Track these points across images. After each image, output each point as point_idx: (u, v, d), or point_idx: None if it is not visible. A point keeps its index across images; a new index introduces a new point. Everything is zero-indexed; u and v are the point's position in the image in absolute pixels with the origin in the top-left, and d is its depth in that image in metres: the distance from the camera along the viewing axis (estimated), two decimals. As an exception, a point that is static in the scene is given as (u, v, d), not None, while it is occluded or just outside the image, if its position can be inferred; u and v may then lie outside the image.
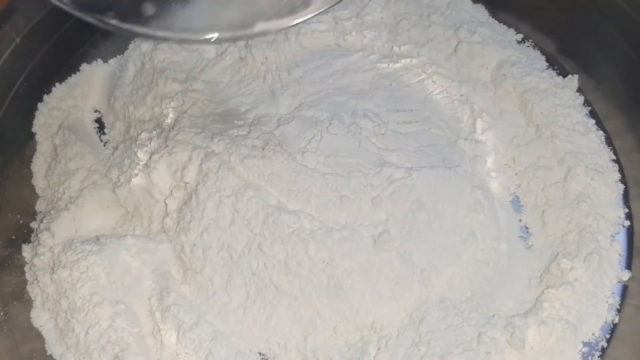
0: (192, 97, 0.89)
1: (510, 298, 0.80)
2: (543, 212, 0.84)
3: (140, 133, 0.86)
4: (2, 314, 0.79)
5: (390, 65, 0.93)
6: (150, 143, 0.84)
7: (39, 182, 0.89)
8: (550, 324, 0.74)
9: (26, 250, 0.82)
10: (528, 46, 0.98)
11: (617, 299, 0.80)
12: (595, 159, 0.86)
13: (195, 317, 0.76)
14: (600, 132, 0.90)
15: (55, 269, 0.77)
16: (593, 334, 0.77)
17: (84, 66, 0.97)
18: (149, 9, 0.55)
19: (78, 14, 0.54)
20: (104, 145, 0.92)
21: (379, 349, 0.74)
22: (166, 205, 0.82)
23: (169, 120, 0.87)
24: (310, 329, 0.75)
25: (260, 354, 0.77)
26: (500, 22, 1.00)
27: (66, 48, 0.95)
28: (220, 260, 0.77)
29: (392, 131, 0.85)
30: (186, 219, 0.79)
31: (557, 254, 0.80)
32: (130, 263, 0.78)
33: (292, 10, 0.56)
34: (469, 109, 0.91)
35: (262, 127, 0.84)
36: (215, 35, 0.55)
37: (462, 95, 0.91)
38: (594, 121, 0.91)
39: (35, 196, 0.88)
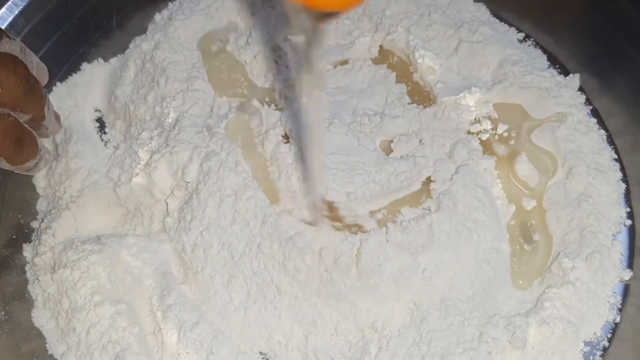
0: (192, 96, 0.89)
1: (511, 297, 0.79)
2: (545, 211, 0.84)
3: (141, 132, 0.86)
4: (3, 313, 0.79)
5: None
6: (151, 142, 0.84)
7: (39, 181, 0.88)
8: (551, 323, 0.74)
9: (27, 250, 0.82)
10: (529, 45, 0.98)
11: (619, 298, 0.79)
12: (596, 158, 0.86)
13: (196, 317, 0.75)
14: (602, 131, 0.89)
15: (56, 268, 0.77)
16: (594, 334, 0.77)
17: (84, 65, 0.97)
18: None
19: None
20: (105, 145, 0.92)
21: (380, 348, 0.74)
22: (167, 204, 0.82)
23: (169, 120, 0.87)
24: (311, 329, 0.75)
25: (261, 353, 0.77)
26: (501, 21, 0.99)
27: (67, 47, 0.95)
28: (221, 260, 0.77)
29: (393, 130, 0.85)
30: (187, 218, 0.79)
31: (559, 253, 0.80)
32: (131, 262, 0.78)
33: None
34: (470, 108, 0.90)
35: (263, 126, 0.84)
36: None
37: (463, 94, 0.91)
38: (595, 120, 0.90)
39: (36, 195, 0.88)
